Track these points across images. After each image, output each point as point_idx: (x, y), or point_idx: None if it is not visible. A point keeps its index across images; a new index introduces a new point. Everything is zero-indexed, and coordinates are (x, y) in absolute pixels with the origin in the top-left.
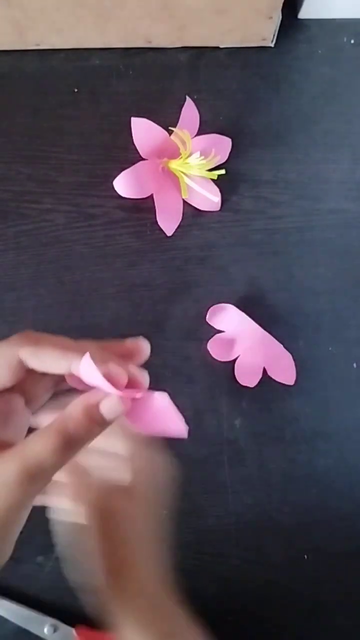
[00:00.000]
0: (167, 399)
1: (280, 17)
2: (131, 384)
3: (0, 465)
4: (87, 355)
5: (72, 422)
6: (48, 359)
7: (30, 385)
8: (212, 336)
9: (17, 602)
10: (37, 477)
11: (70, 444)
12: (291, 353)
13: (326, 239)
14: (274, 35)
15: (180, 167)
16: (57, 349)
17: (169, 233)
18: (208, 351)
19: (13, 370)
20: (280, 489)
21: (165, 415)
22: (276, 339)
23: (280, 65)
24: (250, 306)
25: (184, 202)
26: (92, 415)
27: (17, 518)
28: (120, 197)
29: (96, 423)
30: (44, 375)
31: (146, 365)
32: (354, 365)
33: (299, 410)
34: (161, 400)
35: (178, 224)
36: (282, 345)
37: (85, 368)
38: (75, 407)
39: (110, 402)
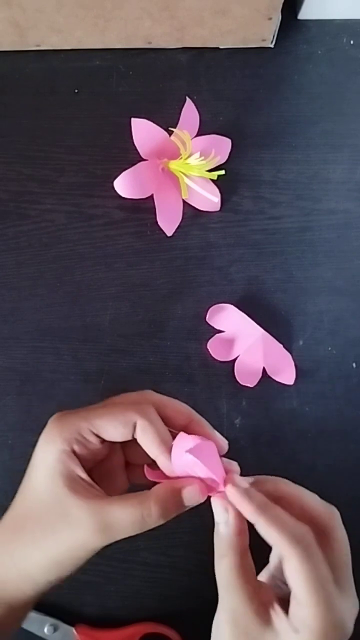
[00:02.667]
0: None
1: (280, 17)
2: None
3: (86, 515)
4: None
5: (155, 506)
6: (149, 441)
7: (134, 453)
8: (212, 336)
9: None
10: (109, 538)
11: (147, 522)
12: (291, 353)
13: (326, 239)
14: (273, 36)
15: (180, 168)
16: (160, 437)
17: (169, 233)
18: (208, 351)
19: (127, 431)
20: None
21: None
22: (276, 339)
23: (280, 66)
24: (250, 306)
25: (184, 202)
26: (176, 502)
27: (78, 560)
28: (120, 197)
29: (175, 508)
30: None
31: (146, 365)
32: (354, 365)
33: (298, 410)
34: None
35: (178, 224)
36: (282, 345)
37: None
38: (162, 492)
39: (192, 491)
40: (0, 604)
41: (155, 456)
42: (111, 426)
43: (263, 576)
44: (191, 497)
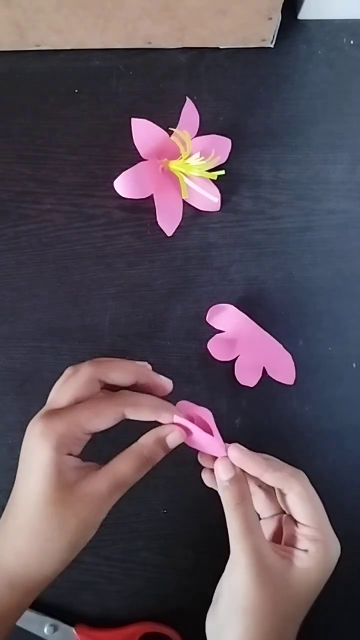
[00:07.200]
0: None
1: (280, 17)
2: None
3: (96, 481)
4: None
5: (147, 450)
6: (144, 417)
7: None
8: (212, 336)
9: None
10: (121, 489)
11: (145, 465)
12: (291, 353)
13: (326, 239)
14: (273, 36)
15: (180, 168)
16: (150, 409)
17: (169, 233)
18: (208, 351)
19: (116, 420)
20: None
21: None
22: (276, 339)
23: (280, 66)
24: (250, 306)
25: (184, 202)
26: (161, 444)
27: (102, 516)
28: (120, 197)
29: (162, 450)
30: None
31: None
32: (354, 365)
33: (298, 410)
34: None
35: (178, 224)
36: (282, 345)
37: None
38: (149, 438)
39: (174, 436)
40: (20, 589)
41: (155, 419)
42: (102, 423)
43: None
44: (174, 441)
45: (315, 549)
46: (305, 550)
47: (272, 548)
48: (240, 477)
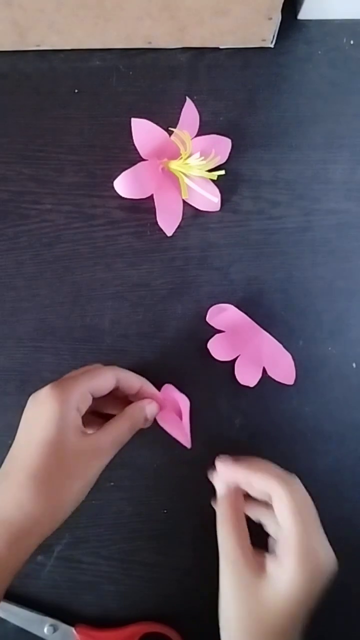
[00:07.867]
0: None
1: (280, 17)
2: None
3: (100, 437)
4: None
5: (135, 414)
6: (132, 382)
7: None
8: (212, 336)
9: (16, 602)
10: (118, 446)
11: (134, 427)
12: (291, 353)
13: (326, 239)
14: (273, 36)
15: (180, 168)
16: (136, 377)
17: (169, 233)
18: (208, 351)
19: (111, 386)
20: None
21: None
22: (276, 339)
23: (280, 66)
24: (250, 306)
25: (184, 202)
26: (142, 413)
27: (99, 471)
28: (120, 197)
29: (144, 418)
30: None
31: (146, 365)
32: (354, 365)
33: (298, 410)
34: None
35: (178, 224)
36: (282, 345)
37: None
38: (134, 407)
39: (152, 407)
40: (21, 542)
41: (139, 387)
42: (103, 387)
43: None
44: (151, 411)
45: (288, 554)
46: (279, 557)
47: (253, 555)
48: (232, 492)
